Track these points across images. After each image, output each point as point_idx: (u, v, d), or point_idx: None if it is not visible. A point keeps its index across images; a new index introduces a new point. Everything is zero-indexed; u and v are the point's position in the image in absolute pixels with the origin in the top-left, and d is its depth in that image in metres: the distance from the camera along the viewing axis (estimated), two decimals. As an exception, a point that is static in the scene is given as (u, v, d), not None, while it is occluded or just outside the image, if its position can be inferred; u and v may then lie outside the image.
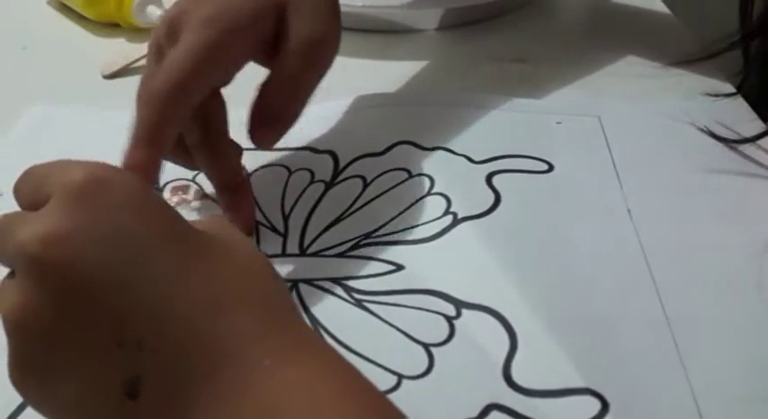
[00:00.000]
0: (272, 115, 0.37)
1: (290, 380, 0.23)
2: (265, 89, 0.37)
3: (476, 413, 0.29)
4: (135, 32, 0.58)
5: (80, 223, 0.23)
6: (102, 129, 0.47)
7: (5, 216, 0.25)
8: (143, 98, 0.34)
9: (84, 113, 0.49)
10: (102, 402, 0.23)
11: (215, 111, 0.37)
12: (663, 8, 0.59)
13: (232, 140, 0.38)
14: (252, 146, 0.44)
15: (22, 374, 0.24)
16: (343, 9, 0.56)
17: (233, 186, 0.38)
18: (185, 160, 0.38)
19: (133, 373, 0.23)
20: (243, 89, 0.37)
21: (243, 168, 0.39)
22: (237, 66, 0.37)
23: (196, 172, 0.42)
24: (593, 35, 0.56)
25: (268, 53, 0.37)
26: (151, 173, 0.33)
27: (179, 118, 0.34)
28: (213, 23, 0.34)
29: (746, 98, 0.47)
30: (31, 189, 0.26)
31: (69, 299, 0.23)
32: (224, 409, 0.22)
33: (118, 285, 0.23)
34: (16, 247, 0.23)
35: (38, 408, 0.25)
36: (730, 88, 0.48)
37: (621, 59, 0.52)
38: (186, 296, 0.23)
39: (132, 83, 0.52)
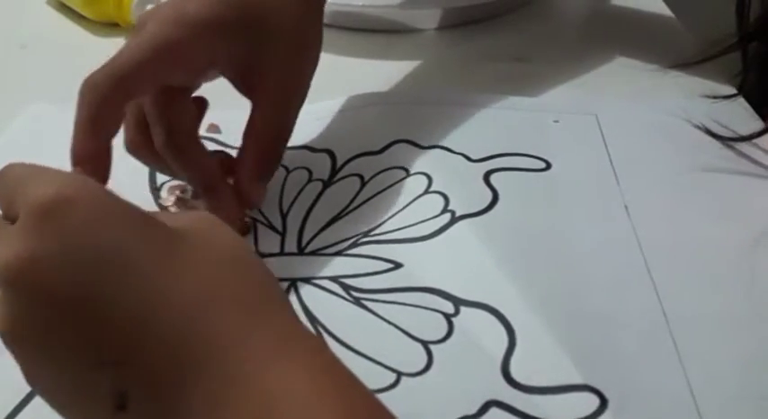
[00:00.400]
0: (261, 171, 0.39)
1: (273, 385, 0.22)
2: (247, 141, 0.38)
3: (474, 409, 0.29)
4: (134, 32, 0.59)
5: (47, 245, 0.23)
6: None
7: None
8: (81, 88, 0.34)
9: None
10: (93, 415, 0.23)
11: (178, 114, 0.37)
12: (663, 9, 0.59)
13: (200, 143, 0.38)
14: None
15: (26, 379, 0.24)
16: (343, 9, 0.57)
17: (209, 187, 0.38)
18: (158, 163, 0.38)
19: (118, 389, 0.23)
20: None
21: (218, 170, 0.39)
22: (195, 69, 0.37)
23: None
24: (592, 35, 0.56)
25: (241, 76, 0.38)
26: (99, 164, 0.34)
27: (115, 108, 0.34)
28: (170, 22, 0.35)
29: (747, 99, 0.47)
30: (4, 196, 0.26)
31: (44, 322, 0.23)
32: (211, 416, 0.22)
33: (90, 305, 0.22)
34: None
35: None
36: (730, 89, 0.48)
37: (621, 60, 0.52)
38: (162, 304, 0.23)
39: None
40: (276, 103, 0.39)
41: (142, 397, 0.23)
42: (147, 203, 0.40)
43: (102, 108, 0.34)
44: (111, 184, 0.42)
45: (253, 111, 0.38)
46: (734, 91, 0.47)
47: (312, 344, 0.25)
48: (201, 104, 0.40)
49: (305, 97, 0.40)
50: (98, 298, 0.22)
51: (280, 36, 0.38)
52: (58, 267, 0.23)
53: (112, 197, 0.25)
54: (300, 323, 0.25)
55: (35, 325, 0.23)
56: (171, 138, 0.37)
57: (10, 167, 0.27)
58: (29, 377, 0.24)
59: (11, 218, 0.24)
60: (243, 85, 0.39)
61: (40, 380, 0.24)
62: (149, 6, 0.57)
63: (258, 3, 0.37)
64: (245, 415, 0.22)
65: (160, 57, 0.35)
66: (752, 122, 0.44)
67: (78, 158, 0.34)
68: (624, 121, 0.45)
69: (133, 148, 0.38)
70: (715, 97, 0.46)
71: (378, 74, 0.52)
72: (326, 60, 0.55)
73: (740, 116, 0.45)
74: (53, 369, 0.23)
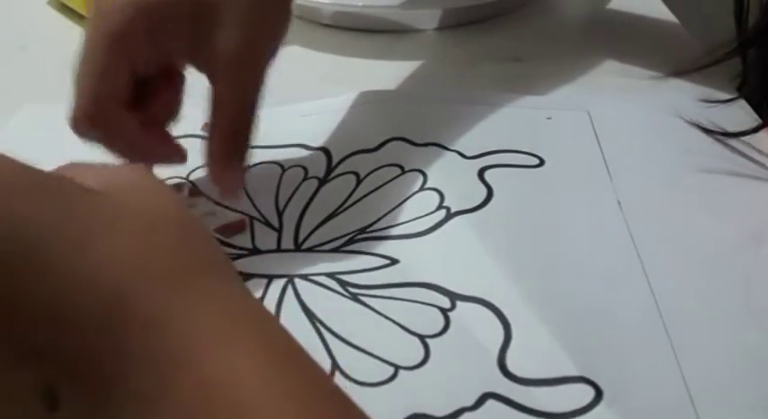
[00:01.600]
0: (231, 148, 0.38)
1: (216, 373, 0.20)
2: (211, 122, 0.38)
3: (471, 401, 0.29)
4: (133, 33, 0.59)
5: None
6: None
7: None
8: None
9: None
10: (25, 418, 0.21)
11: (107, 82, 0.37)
12: (664, 10, 0.59)
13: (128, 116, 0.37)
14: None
15: None
16: (343, 9, 0.57)
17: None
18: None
19: (45, 385, 0.20)
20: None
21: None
22: (150, 53, 0.37)
23: (190, 170, 0.42)
24: (591, 36, 0.56)
25: (192, 51, 0.38)
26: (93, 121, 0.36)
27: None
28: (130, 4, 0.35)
29: (747, 99, 0.47)
30: None
31: None
32: (150, 409, 0.20)
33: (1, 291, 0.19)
34: None
35: None
36: (729, 89, 0.48)
37: (620, 61, 0.53)
38: (80, 286, 0.20)
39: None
40: (231, 78, 0.37)
41: (72, 394, 0.20)
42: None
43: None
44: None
45: (211, 90, 0.38)
46: (732, 92, 0.47)
47: (261, 318, 0.22)
48: (177, 79, 0.39)
49: (263, 72, 0.38)
50: (4, 284, 0.19)
51: (230, 7, 0.36)
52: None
53: (20, 165, 0.21)
54: (246, 291, 0.22)
55: None
56: (96, 105, 0.37)
57: None
58: None
59: None
60: (197, 61, 0.38)
61: None
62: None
63: None
64: (181, 409, 0.19)
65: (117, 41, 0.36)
66: (748, 121, 0.45)
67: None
68: (616, 118, 0.46)
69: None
70: (713, 101, 0.46)
71: (378, 74, 0.52)
72: (326, 60, 0.55)
73: (737, 114, 0.46)
74: None
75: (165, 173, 0.42)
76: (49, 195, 0.21)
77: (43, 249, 0.20)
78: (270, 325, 0.22)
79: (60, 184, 0.21)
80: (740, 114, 0.46)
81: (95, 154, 0.44)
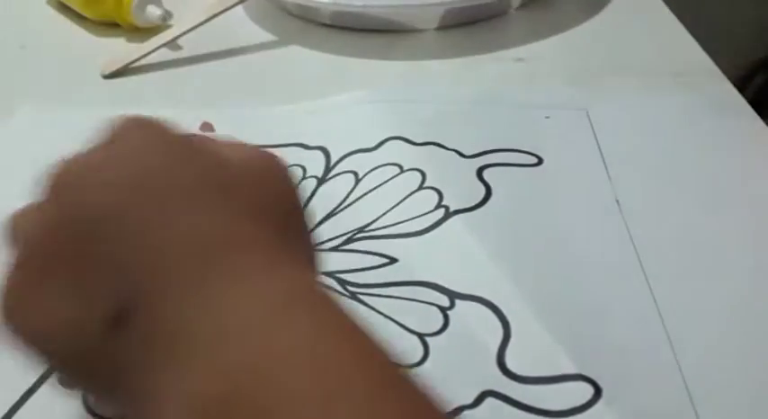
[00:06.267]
0: None
1: (284, 341, 0.21)
2: None
3: (471, 400, 0.30)
4: (134, 32, 0.58)
5: (100, 161, 0.25)
6: (91, 130, 0.47)
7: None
8: None
9: (74, 113, 0.49)
10: (88, 325, 0.23)
11: None
12: (664, 10, 0.59)
13: None
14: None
15: (16, 290, 0.24)
16: (343, 9, 0.57)
17: None
18: None
19: (122, 303, 0.22)
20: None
21: None
22: None
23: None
24: (591, 36, 0.56)
25: None
26: None
27: None
28: None
29: (749, 100, 0.47)
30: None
31: (77, 220, 0.23)
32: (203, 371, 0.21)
33: (120, 219, 0.23)
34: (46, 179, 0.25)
35: (21, 333, 0.25)
36: (728, 88, 0.48)
37: (619, 61, 0.52)
38: (184, 238, 0.23)
39: (132, 83, 0.53)
40: None
41: (140, 321, 0.22)
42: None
43: None
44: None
45: None
46: (734, 92, 0.47)
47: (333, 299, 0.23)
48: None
49: None
50: (128, 214, 0.23)
51: None
52: (101, 178, 0.24)
53: (166, 128, 0.25)
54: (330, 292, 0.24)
55: (64, 222, 0.23)
56: None
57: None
58: (22, 285, 0.24)
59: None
60: None
61: (37, 287, 0.24)
62: (149, 6, 0.57)
63: None
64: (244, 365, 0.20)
65: None
66: (749, 119, 0.45)
67: None
68: (614, 117, 0.46)
69: None
70: (712, 101, 0.46)
71: (378, 74, 0.53)
72: (326, 60, 0.55)
73: (735, 113, 0.46)
74: (61, 272, 0.23)
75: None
76: (182, 153, 0.25)
77: (165, 195, 0.23)
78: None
79: (197, 145, 0.25)
80: (741, 112, 0.46)
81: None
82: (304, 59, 0.55)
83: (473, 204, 0.39)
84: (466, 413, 0.29)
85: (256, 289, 0.22)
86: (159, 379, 0.21)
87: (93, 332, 0.23)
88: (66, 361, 0.24)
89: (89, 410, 0.30)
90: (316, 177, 0.42)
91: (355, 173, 0.42)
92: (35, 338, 0.24)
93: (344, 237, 0.38)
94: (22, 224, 0.25)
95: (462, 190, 0.40)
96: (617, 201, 0.39)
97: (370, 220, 0.39)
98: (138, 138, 0.25)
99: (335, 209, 0.40)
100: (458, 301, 0.34)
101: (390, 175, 0.42)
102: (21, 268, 0.25)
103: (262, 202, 0.25)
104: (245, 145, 0.28)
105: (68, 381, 0.26)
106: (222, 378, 0.20)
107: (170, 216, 0.23)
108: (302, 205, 0.27)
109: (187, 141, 0.25)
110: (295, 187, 0.27)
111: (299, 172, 0.42)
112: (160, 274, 0.22)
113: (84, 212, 0.24)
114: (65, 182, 0.24)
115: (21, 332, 0.24)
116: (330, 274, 0.36)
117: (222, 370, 0.20)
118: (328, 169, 0.42)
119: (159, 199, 0.23)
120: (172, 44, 0.56)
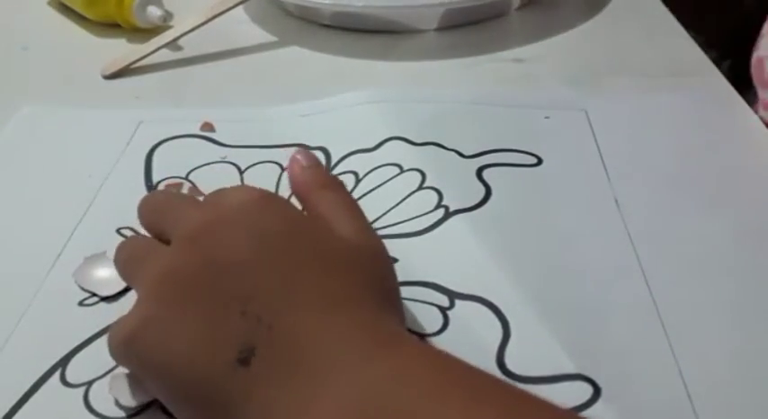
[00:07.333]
0: None
1: (390, 373, 0.23)
2: None
3: (470, 399, 0.30)
4: (135, 33, 0.59)
5: (233, 218, 0.28)
6: (91, 130, 0.47)
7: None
8: None
9: (75, 113, 0.49)
10: (213, 363, 0.25)
11: None
12: (664, 11, 0.59)
13: None
14: (242, 143, 0.45)
15: (143, 326, 0.26)
16: (343, 9, 0.57)
17: None
18: None
19: (248, 343, 0.24)
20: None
21: None
22: None
23: (189, 169, 0.42)
24: (590, 36, 0.56)
25: None
26: None
27: None
28: None
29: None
30: (155, 222, 0.31)
31: (211, 264, 0.26)
32: (324, 396, 0.23)
33: (251, 265, 0.26)
34: (177, 221, 0.29)
35: (143, 368, 0.26)
36: (727, 87, 0.48)
37: (619, 61, 0.53)
38: (303, 288, 0.26)
39: (132, 83, 0.54)
40: None
41: (264, 360, 0.24)
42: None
43: None
44: (105, 184, 0.42)
45: None
46: (732, 92, 0.47)
47: (420, 345, 0.27)
48: None
49: None
50: (260, 263, 0.26)
51: None
52: (235, 229, 0.28)
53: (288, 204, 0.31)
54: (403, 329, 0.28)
55: (198, 265, 0.26)
56: None
57: (153, 196, 0.33)
58: (150, 321, 0.26)
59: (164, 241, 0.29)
60: None
61: (165, 325, 0.26)
62: (150, 7, 0.57)
63: None
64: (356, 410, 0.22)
65: None
66: (748, 119, 0.45)
67: None
68: (613, 117, 0.46)
69: None
70: (711, 100, 0.46)
71: (378, 74, 0.53)
72: (326, 60, 0.56)
73: (734, 113, 0.46)
74: (191, 310, 0.26)
75: (165, 172, 0.43)
76: (291, 222, 0.29)
77: (279, 251, 0.27)
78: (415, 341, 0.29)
79: (297, 218, 0.30)
80: (737, 110, 0.46)
81: (90, 155, 0.45)
82: (304, 60, 0.56)
83: (473, 204, 0.39)
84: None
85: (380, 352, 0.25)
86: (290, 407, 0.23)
87: (219, 368, 0.25)
88: (182, 392, 0.25)
89: (115, 402, 0.29)
90: (316, 177, 0.42)
91: (355, 174, 0.42)
92: (159, 371, 0.26)
93: (345, 237, 0.38)
94: (152, 262, 0.28)
95: (462, 190, 0.40)
96: (616, 201, 0.39)
97: (370, 220, 0.39)
98: (264, 208, 0.29)
99: (336, 209, 0.40)
100: (458, 301, 0.34)
101: (390, 175, 0.42)
102: (152, 301, 0.26)
103: (375, 274, 0.29)
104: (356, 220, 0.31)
105: (171, 410, 0.27)
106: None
107: (296, 271, 0.26)
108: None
109: (304, 216, 0.30)
110: (393, 269, 0.31)
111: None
112: (289, 318, 0.25)
113: (221, 255, 0.26)
114: (203, 230, 0.27)
115: (144, 360, 0.26)
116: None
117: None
118: (328, 169, 0.42)
119: (287, 256, 0.27)
120: (172, 44, 0.56)
